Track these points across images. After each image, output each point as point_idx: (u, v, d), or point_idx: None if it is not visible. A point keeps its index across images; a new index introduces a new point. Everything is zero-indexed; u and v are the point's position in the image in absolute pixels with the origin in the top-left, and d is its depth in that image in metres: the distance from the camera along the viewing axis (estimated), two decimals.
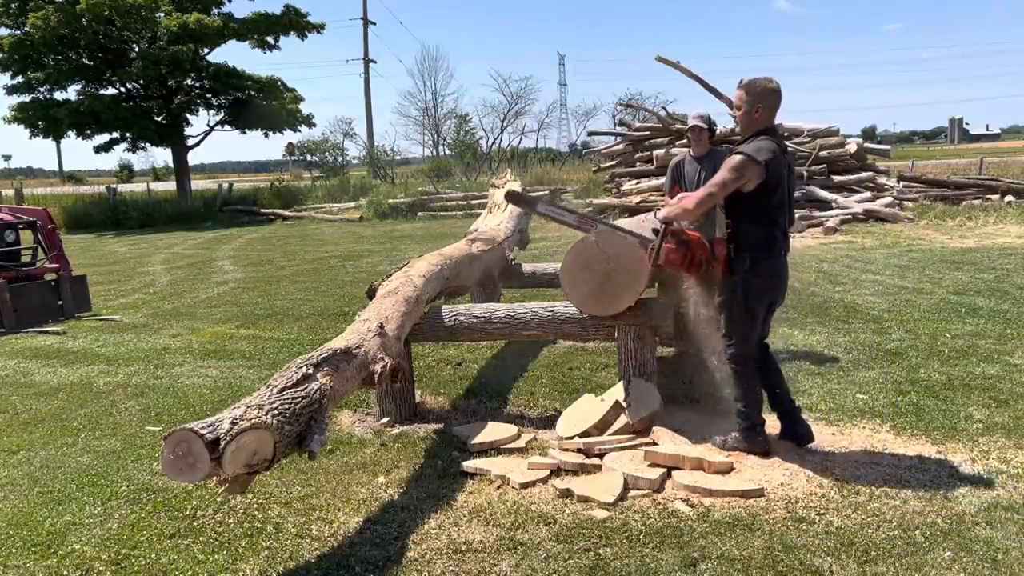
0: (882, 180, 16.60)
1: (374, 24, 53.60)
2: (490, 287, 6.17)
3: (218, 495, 3.40)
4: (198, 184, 32.82)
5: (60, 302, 8.09)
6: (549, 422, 4.17)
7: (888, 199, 14.92)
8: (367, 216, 21.01)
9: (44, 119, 24.28)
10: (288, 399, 2.69)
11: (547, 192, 21.43)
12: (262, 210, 23.33)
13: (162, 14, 24.15)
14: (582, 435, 3.80)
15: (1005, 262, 9.13)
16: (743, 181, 3.41)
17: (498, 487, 3.42)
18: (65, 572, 2.88)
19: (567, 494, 3.30)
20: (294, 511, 3.29)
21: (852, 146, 16.04)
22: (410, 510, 3.24)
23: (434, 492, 3.41)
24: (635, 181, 16.83)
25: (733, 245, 3.54)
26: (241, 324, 7.46)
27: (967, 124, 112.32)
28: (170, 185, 32.05)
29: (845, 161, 15.90)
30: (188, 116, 26.74)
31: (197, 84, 26.17)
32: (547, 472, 3.49)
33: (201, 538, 3.09)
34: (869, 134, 79.36)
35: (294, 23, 26.34)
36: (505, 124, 43.55)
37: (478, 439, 3.90)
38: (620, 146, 18.06)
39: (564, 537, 2.95)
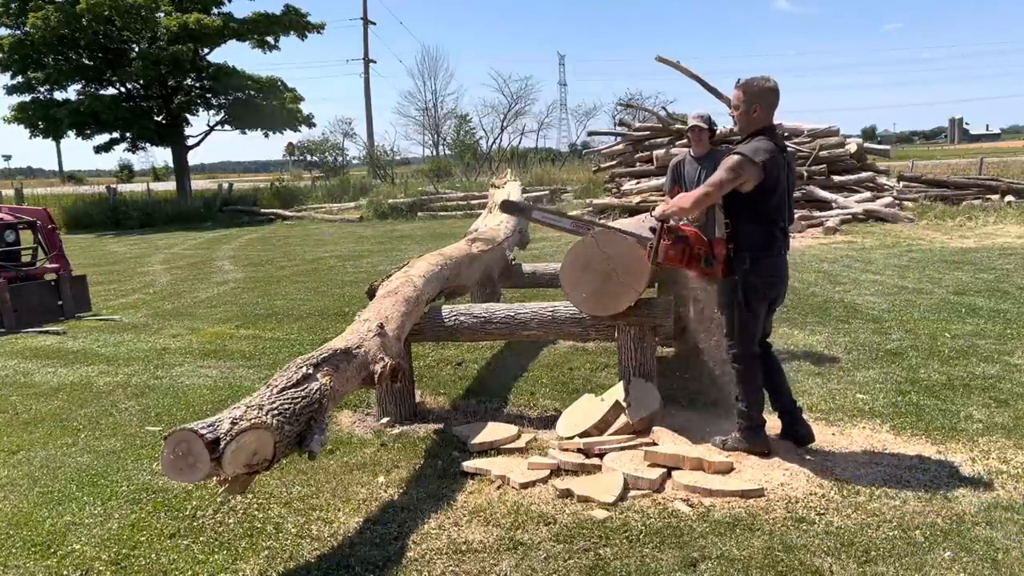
0: (882, 180, 16.60)
1: (374, 24, 53.64)
2: (490, 287, 6.17)
3: (218, 495, 3.40)
4: (198, 184, 32.83)
5: (60, 302, 8.09)
6: (549, 422, 4.17)
7: (888, 199, 14.91)
8: (367, 216, 21.02)
9: (44, 119, 24.29)
10: (288, 399, 2.69)
11: (547, 192, 21.49)
12: (262, 210, 23.34)
13: (162, 14, 24.16)
14: (582, 435, 3.80)
15: (1005, 262, 9.13)
16: (740, 181, 3.42)
17: (498, 487, 3.42)
18: (65, 572, 2.88)
19: (567, 494, 3.30)
20: (294, 511, 3.29)
21: (852, 146, 16.03)
22: (410, 510, 3.24)
23: (434, 492, 3.41)
24: (635, 181, 16.83)
25: (733, 245, 3.54)
26: (241, 324, 7.46)
27: (967, 124, 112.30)
28: (170, 185, 32.06)
29: (845, 161, 15.89)
30: (188, 116, 26.79)
31: (197, 84, 26.17)
32: (547, 472, 3.49)
33: (201, 538, 3.09)
34: (869, 134, 79.41)
35: (294, 23, 26.36)
36: (505, 124, 43.61)
37: (478, 439, 3.90)
38: (620, 146, 18.06)
39: (564, 537, 2.95)
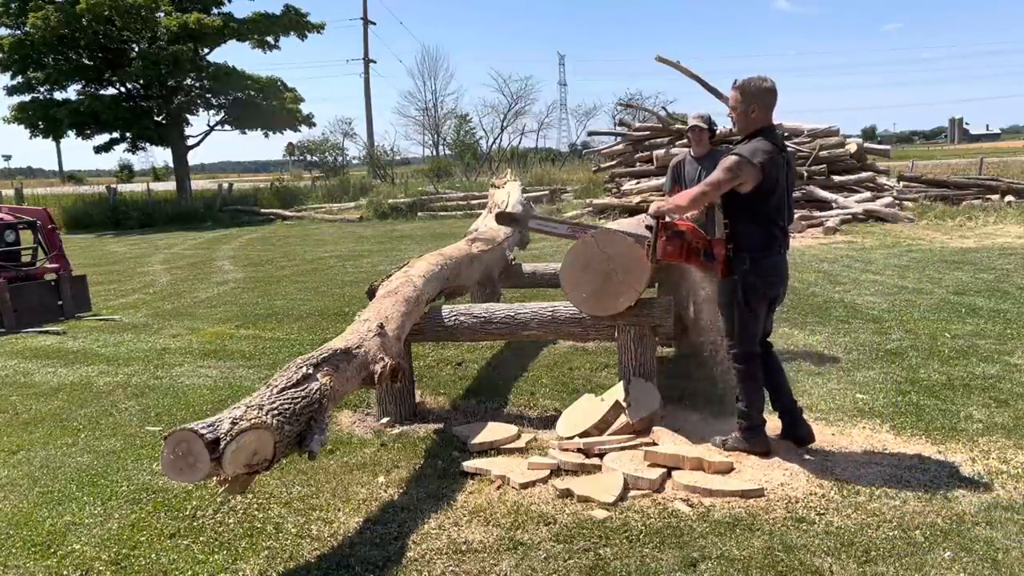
0: (882, 180, 16.59)
1: (374, 24, 53.61)
2: (490, 287, 6.16)
3: (218, 495, 3.40)
4: (198, 184, 32.80)
5: (60, 302, 8.09)
6: (549, 422, 4.17)
7: (888, 199, 14.91)
8: (367, 216, 21.02)
9: (44, 119, 24.28)
10: (288, 399, 2.69)
11: (547, 192, 21.48)
12: (262, 210, 23.33)
13: (162, 14, 24.13)
14: (582, 435, 3.81)
15: (1005, 262, 9.13)
16: (738, 182, 3.42)
17: (498, 487, 3.42)
18: (65, 572, 2.88)
19: (567, 494, 3.30)
20: (294, 511, 3.29)
21: (852, 146, 16.03)
22: (410, 510, 3.24)
23: (434, 492, 3.41)
24: (635, 181, 16.84)
25: (732, 245, 3.54)
26: (241, 324, 7.46)
27: (967, 124, 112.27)
28: (170, 185, 32.03)
29: (845, 161, 15.90)
30: (188, 116, 26.74)
31: (197, 84, 26.14)
32: (547, 472, 3.49)
33: (201, 538, 3.09)
34: (869, 134, 79.35)
35: (294, 23, 26.33)
36: (505, 124, 43.63)
37: (478, 439, 3.91)
38: (620, 146, 18.07)
39: (564, 537, 2.95)
